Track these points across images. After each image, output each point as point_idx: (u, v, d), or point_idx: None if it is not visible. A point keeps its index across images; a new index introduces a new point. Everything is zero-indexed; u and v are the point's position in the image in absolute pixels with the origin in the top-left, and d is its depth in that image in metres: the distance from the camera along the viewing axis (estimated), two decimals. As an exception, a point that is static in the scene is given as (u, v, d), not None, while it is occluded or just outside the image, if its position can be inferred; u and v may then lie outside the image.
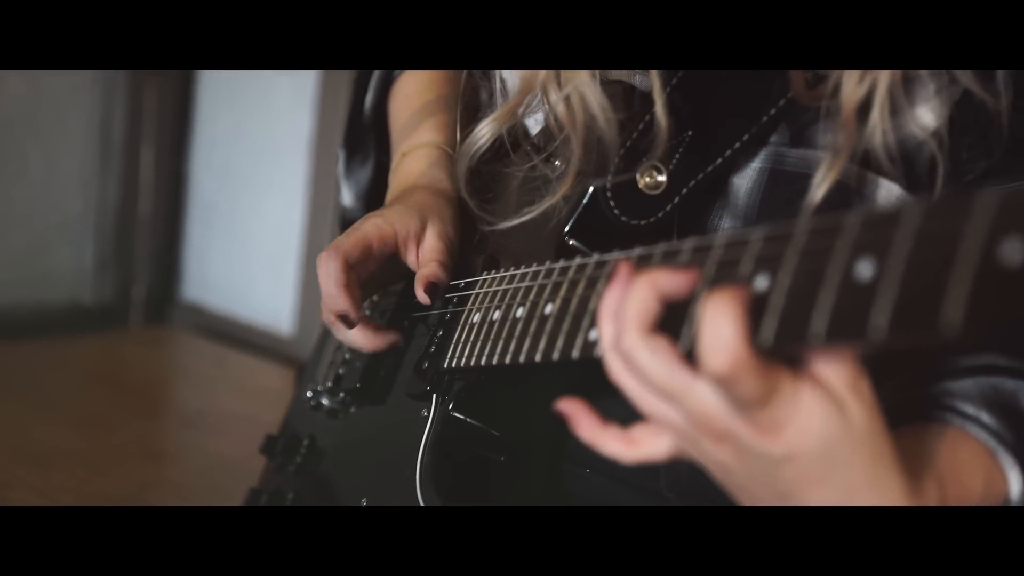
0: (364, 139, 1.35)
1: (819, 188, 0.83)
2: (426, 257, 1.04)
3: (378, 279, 1.06)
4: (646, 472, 0.97)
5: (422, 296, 1.00)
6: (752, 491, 0.65)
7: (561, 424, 0.77)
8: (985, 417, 0.77)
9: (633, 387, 0.65)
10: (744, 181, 0.92)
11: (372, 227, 1.02)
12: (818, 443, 0.58)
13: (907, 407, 0.80)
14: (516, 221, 0.98)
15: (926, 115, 0.86)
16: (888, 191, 0.87)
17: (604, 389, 1.01)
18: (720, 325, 0.56)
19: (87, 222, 3.18)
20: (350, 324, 1.00)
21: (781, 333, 0.55)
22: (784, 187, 0.89)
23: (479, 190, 1.09)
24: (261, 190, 3.19)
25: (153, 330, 3.24)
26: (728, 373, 0.56)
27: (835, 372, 0.58)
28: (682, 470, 0.94)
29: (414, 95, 1.25)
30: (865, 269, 0.52)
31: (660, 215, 0.93)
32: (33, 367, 2.54)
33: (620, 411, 1.00)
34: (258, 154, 3.18)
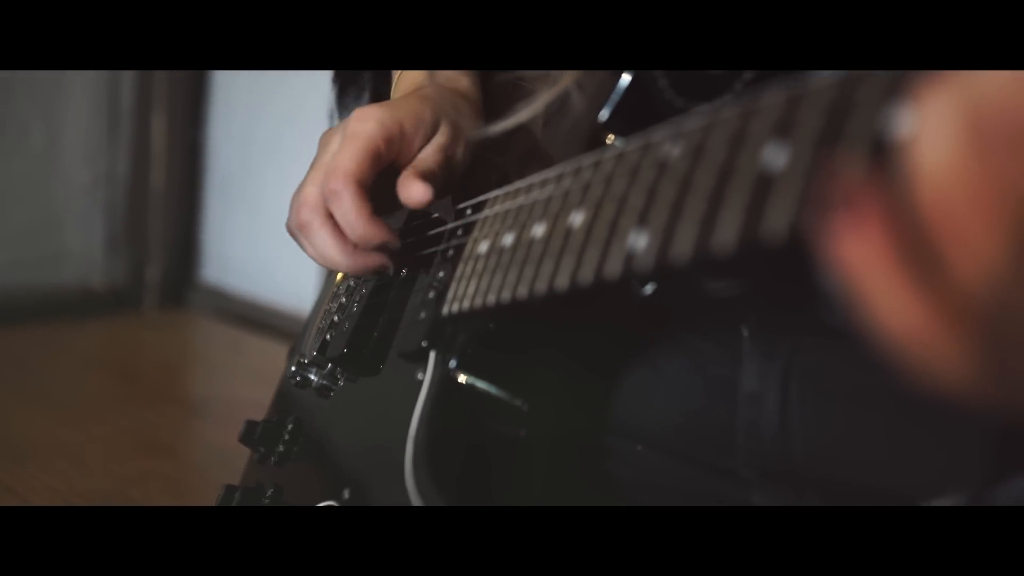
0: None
1: None
2: (417, 160, 0.89)
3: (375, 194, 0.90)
4: (718, 446, 0.80)
5: (418, 190, 0.84)
6: None
7: (601, 385, 0.61)
8: None
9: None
10: None
11: (376, 127, 0.87)
12: None
13: None
14: (509, 122, 0.83)
15: None
16: None
17: (658, 334, 0.82)
18: None
19: (95, 198, 3.08)
20: (393, 251, 0.89)
21: None
22: None
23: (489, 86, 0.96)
24: (285, 160, 3.06)
25: (169, 314, 3.13)
26: None
27: None
28: (768, 440, 0.77)
29: None
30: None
31: (728, 96, 0.72)
32: (30, 353, 2.45)
33: (682, 359, 0.81)
34: (281, 120, 3.06)
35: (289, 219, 0.90)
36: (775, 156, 0.46)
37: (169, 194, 3.19)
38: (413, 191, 0.83)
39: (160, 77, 3.08)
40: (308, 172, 0.90)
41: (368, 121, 0.86)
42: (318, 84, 2.83)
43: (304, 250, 0.91)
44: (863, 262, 0.36)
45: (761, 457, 0.78)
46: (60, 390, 2.19)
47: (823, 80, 0.45)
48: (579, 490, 0.85)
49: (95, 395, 2.21)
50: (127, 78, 3.04)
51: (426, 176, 0.84)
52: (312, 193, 0.87)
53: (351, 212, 0.84)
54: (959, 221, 0.34)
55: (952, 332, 0.35)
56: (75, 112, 2.98)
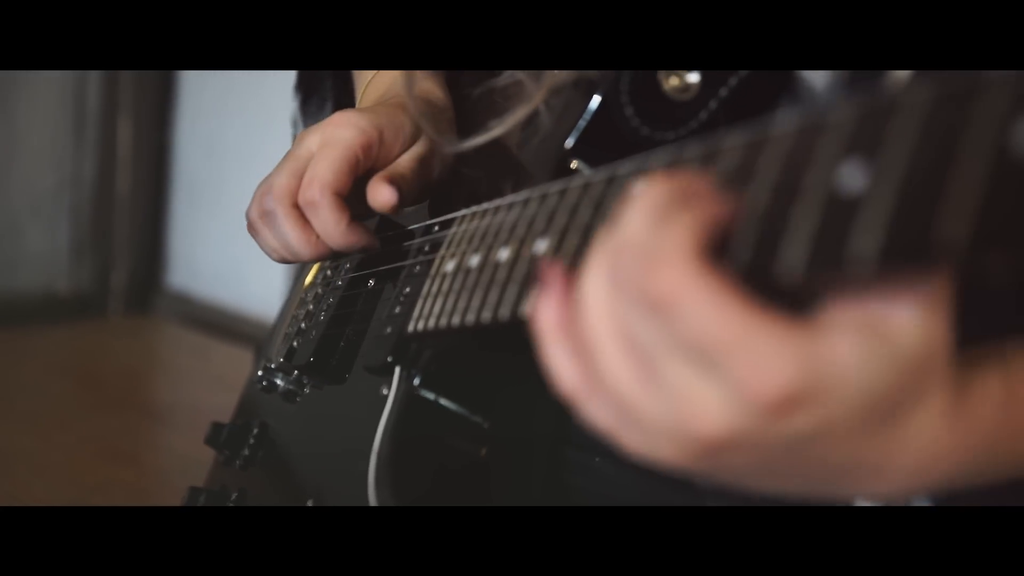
0: (320, 78, 1.23)
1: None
2: (390, 167, 0.89)
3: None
4: None
5: (385, 193, 0.85)
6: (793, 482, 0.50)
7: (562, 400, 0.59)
8: None
9: (599, 405, 0.49)
10: (819, 75, 0.74)
11: (355, 134, 0.87)
12: (861, 397, 0.43)
13: None
14: (481, 138, 0.83)
15: None
16: None
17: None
18: (665, 232, 0.44)
19: (60, 202, 3.05)
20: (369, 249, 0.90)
21: (754, 260, 0.44)
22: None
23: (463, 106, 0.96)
24: (252, 164, 2.99)
25: (134, 320, 3.11)
26: (667, 295, 0.43)
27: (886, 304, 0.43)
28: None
29: None
30: (852, 177, 0.41)
31: (694, 124, 0.74)
32: (-8, 360, 2.45)
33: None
34: (248, 123, 3.04)
35: (251, 208, 0.90)
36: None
37: (135, 198, 3.17)
38: (380, 194, 0.84)
39: (126, 81, 3.06)
40: (279, 164, 0.90)
41: (347, 128, 0.86)
42: (286, 89, 2.83)
43: (262, 241, 0.91)
44: (543, 329, 0.50)
45: None
46: (22, 397, 2.18)
47: (784, 126, 0.47)
48: (539, 502, 0.86)
49: (58, 402, 2.20)
50: (93, 81, 3.02)
51: (396, 181, 0.85)
52: (280, 183, 0.87)
53: (330, 223, 0.85)
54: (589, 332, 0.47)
55: (593, 399, 0.48)
56: (40, 115, 2.95)
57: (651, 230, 0.44)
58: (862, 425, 0.44)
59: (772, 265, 0.42)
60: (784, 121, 0.46)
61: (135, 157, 3.13)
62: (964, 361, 0.48)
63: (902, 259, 0.38)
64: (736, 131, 0.50)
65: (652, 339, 0.44)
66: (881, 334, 0.42)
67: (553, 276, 0.49)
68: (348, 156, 0.85)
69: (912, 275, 0.41)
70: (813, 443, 0.44)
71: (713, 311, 0.42)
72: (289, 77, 2.84)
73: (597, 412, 0.48)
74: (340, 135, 0.86)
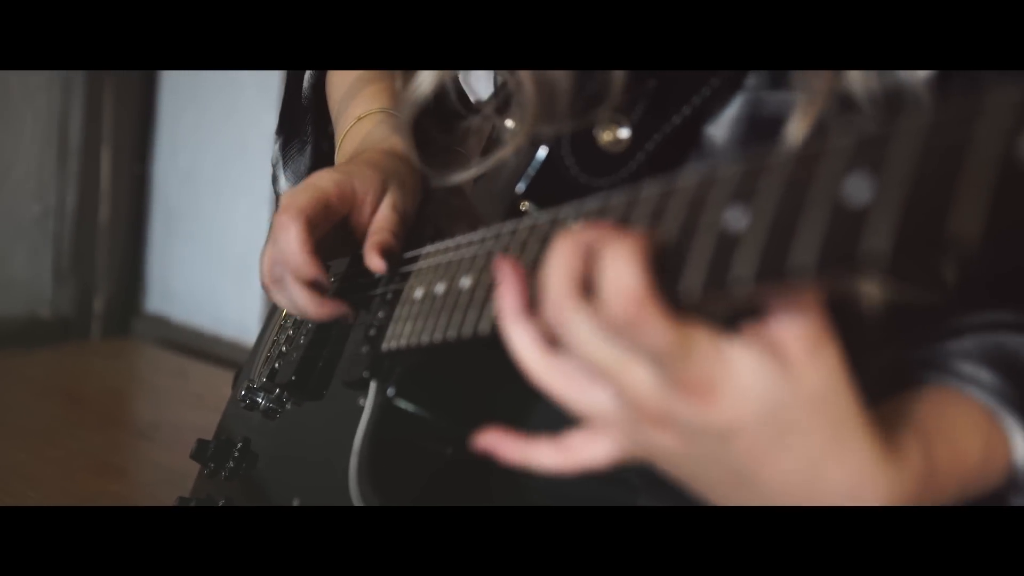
0: (301, 122, 1.29)
1: (794, 133, 0.74)
2: (377, 226, 0.97)
3: (326, 246, 0.97)
4: None
5: (376, 263, 0.93)
6: (708, 477, 0.59)
7: (517, 408, 0.74)
8: (985, 375, 0.69)
9: (556, 374, 0.60)
10: (720, 131, 0.85)
11: (331, 183, 0.95)
12: (760, 406, 0.53)
13: (897, 371, 0.72)
14: (466, 174, 0.92)
15: None
16: None
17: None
18: (620, 268, 0.52)
19: (43, 229, 3.10)
20: (323, 289, 0.93)
21: (707, 282, 0.52)
22: (766, 136, 0.81)
23: (427, 148, 1.03)
24: (227, 194, 3.10)
25: (115, 343, 3.16)
26: (629, 318, 0.52)
27: (782, 330, 0.52)
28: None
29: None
30: (736, 219, 0.51)
31: (624, 173, 0.85)
32: (-22, 381, 2.47)
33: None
34: (223, 155, 3.11)
35: (262, 275, 0.97)
36: None
37: (115, 227, 3.20)
38: (373, 264, 0.92)
39: (108, 114, 3.10)
40: (268, 237, 0.97)
41: (324, 177, 0.95)
42: (257, 122, 2.93)
43: (276, 301, 0.99)
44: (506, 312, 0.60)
45: (649, 467, 0.89)
46: (13, 415, 2.22)
47: (688, 177, 0.57)
48: (495, 495, 0.93)
49: (47, 420, 2.24)
50: (76, 113, 3.05)
51: (386, 245, 0.93)
52: (268, 258, 0.95)
53: (294, 243, 0.89)
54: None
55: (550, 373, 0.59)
56: (25, 148, 2.99)
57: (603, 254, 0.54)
58: (756, 430, 0.53)
59: (676, 288, 0.53)
60: (688, 174, 0.57)
61: (115, 187, 3.17)
62: (878, 418, 0.56)
63: (769, 281, 0.49)
64: (653, 181, 0.60)
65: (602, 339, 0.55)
66: (778, 357, 0.51)
67: (507, 269, 0.61)
68: (322, 196, 0.92)
69: (782, 295, 0.52)
70: (721, 439, 0.54)
71: (660, 331, 0.51)
72: (259, 112, 2.93)
73: (552, 383, 0.60)
74: (317, 181, 0.94)
